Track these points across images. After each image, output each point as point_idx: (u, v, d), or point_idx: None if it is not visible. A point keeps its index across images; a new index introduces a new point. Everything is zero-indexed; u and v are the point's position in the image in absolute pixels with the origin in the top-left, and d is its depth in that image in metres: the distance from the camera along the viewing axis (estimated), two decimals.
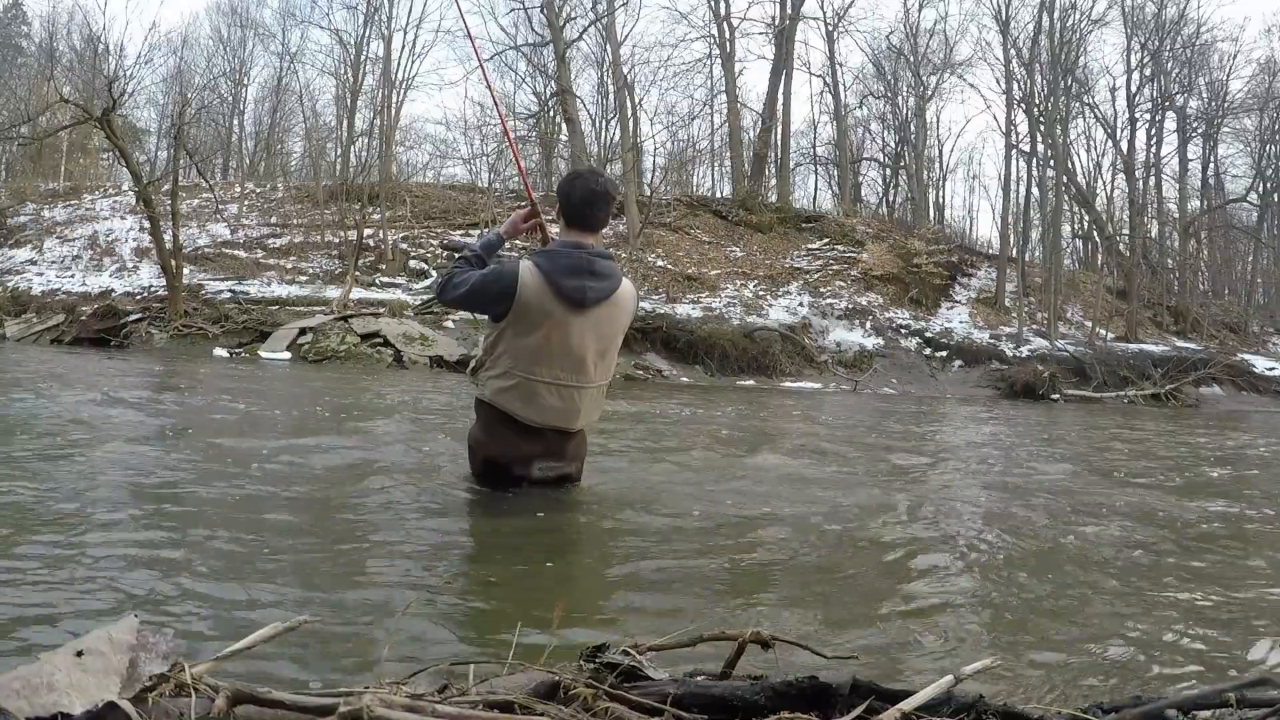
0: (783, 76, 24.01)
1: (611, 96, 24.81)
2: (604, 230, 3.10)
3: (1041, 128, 21.82)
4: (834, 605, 2.15)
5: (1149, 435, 8.64)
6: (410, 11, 41.31)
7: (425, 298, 16.79)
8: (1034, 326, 19.33)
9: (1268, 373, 18.01)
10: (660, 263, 19.59)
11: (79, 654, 0.94)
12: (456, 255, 3.06)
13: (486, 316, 3.02)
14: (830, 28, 26.41)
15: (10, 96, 24.47)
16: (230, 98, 30.69)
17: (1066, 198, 23.78)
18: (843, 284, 19.56)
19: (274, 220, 22.07)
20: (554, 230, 3.14)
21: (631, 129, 22.56)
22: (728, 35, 24.50)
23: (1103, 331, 19.30)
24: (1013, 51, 22.19)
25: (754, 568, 2.46)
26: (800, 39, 25.55)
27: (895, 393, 15.29)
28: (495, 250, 3.11)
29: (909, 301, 19.48)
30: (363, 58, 23.78)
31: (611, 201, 3.05)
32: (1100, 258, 25.74)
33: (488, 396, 2.98)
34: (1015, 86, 22.15)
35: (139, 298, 16.05)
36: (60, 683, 0.89)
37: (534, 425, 2.94)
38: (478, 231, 20.61)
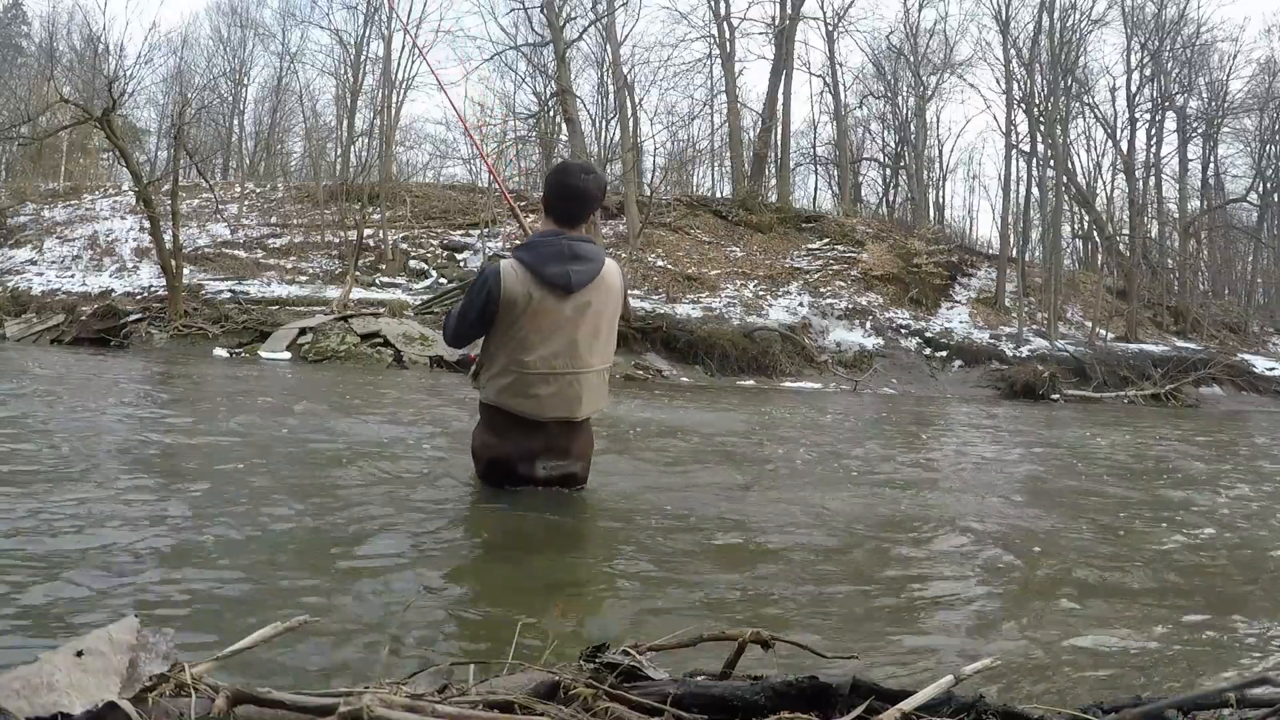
0: (783, 76, 24.01)
1: (611, 96, 24.83)
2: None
3: (1041, 128, 21.82)
4: (834, 605, 2.15)
5: (1150, 435, 8.63)
6: (410, 11, 41.25)
7: (425, 298, 16.80)
8: (1034, 326, 19.32)
9: (1268, 373, 18.00)
10: (660, 263, 19.58)
11: (79, 654, 0.93)
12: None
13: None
14: (830, 28, 26.43)
15: (10, 96, 24.49)
16: (230, 98, 30.74)
17: (1066, 198, 23.78)
18: (843, 284, 19.55)
19: (274, 220, 22.07)
20: (530, 222, 3.16)
21: (631, 129, 22.57)
22: (728, 35, 24.50)
23: (1103, 331, 19.29)
24: (1013, 51, 22.20)
25: (754, 568, 2.46)
26: (800, 39, 25.58)
27: (895, 393, 15.29)
28: None
29: (909, 301, 19.48)
30: (363, 58, 23.80)
31: (596, 200, 3.02)
32: (1100, 258, 25.74)
33: (489, 397, 2.98)
34: (1015, 86, 22.15)
35: (139, 298, 16.05)
36: (60, 683, 0.89)
37: (536, 419, 2.93)
38: (477, 232, 20.62)
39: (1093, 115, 25.47)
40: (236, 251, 19.54)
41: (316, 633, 1.65)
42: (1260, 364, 18.47)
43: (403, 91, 23.42)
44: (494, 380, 2.95)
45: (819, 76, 28.49)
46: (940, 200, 29.91)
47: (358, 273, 17.41)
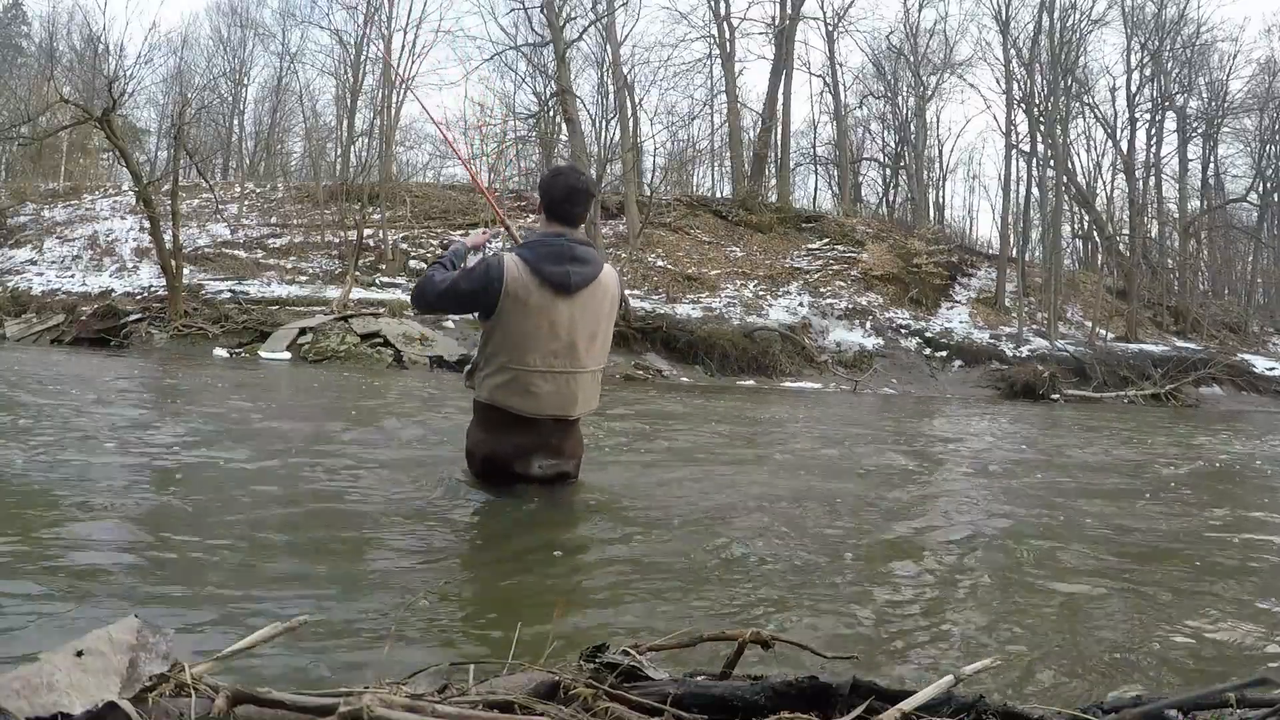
0: (783, 76, 24.02)
1: (611, 96, 24.78)
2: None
3: (1041, 128, 21.82)
4: (834, 605, 2.15)
5: (1149, 436, 8.63)
6: (410, 11, 41.31)
7: None
8: (1034, 326, 19.32)
9: (1267, 373, 18.01)
10: (660, 263, 19.58)
11: (79, 654, 0.93)
12: (428, 265, 3.10)
13: (475, 314, 3.05)
14: (830, 28, 26.46)
15: (10, 96, 24.47)
16: (230, 98, 30.75)
17: (1066, 198, 23.78)
18: (843, 284, 19.56)
19: (274, 220, 22.08)
20: (525, 221, 3.19)
21: (631, 129, 22.55)
22: (728, 35, 24.52)
23: (1103, 331, 19.30)
24: (1013, 51, 22.21)
25: (755, 568, 2.46)
26: (800, 39, 25.62)
27: (895, 393, 15.28)
28: (464, 258, 3.17)
29: (909, 301, 19.48)
30: (363, 58, 23.77)
31: (591, 199, 3.12)
32: (1100, 258, 25.75)
33: (484, 396, 3.01)
34: (1015, 86, 22.16)
35: (139, 298, 16.07)
36: (60, 683, 0.89)
37: (531, 416, 2.96)
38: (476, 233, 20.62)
39: (1093, 115, 25.53)
40: (236, 251, 19.54)
41: (316, 633, 1.65)
42: (1260, 364, 18.47)
43: (403, 91, 23.41)
44: (490, 378, 2.98)
45: (819, 76, 28.56)
46: (940, 200, 29.97)
47: (358, 273, 17.41)
